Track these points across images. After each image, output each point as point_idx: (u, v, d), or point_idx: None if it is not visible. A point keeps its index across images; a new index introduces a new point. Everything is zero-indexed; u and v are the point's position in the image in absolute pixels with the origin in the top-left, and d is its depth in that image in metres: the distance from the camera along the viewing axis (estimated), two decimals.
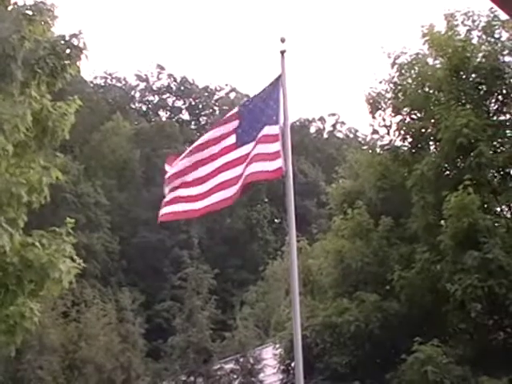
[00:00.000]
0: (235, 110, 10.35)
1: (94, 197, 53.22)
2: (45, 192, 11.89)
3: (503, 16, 18.25)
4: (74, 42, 12.96)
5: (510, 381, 17.07)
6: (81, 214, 46.78)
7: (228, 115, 10.38)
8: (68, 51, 12.79)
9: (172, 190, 10.05)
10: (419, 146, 20.83)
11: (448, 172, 20.03)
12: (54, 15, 12.73)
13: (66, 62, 12.71)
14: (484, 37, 20.03)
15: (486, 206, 18.50)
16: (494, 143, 19.39)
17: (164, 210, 10.05)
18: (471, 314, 17.17)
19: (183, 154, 10.30)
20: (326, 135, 73.23)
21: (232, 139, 9.93)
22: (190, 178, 9.95)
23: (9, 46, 11.68)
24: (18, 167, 11.85)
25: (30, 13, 12.48)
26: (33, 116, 11.84)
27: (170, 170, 10.20)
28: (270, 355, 25.61)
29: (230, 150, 9.88)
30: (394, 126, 21.11)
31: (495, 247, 17.29)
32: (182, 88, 72.87)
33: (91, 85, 68.25)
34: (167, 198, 10.05)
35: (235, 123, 10.01)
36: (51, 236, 11.71)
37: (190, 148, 10.32)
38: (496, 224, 18.50)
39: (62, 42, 13.05)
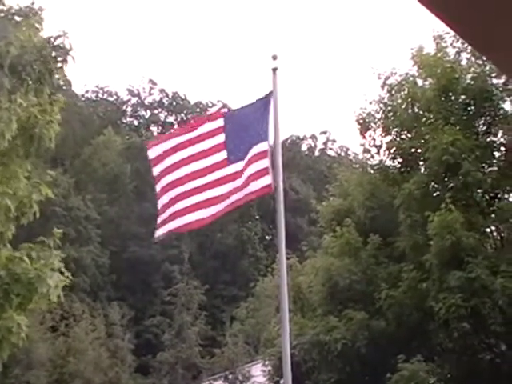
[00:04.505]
0: (220, 123, 10.13)
1: (84, 210, 53.20)
2: (34, 208, 11.79)
3: None
4: (59, 42, 12.82)
5: None
6: (70, 228, 46.79)
7: (212, 125, 10.28)
8: (54, 54, 12.64)
9: (164, 208, 10.15)
10: (408, 165, 21.10)
11: (436, 191, 20.30)
12: (40, 18, 12.58)
13: (53, 66, 12.59)
14: (473, 59, 20.37)
15: (473, 226, 18.74)
16: (482, 164, 19.68)
17: (161, 230, 10.02)
18: (454, 333, 17.38)
19: (164, 142, 10.23)
20: (317, 153, 73.48)
21: (223, 155, 10.04)
22: (177, 192, 10.03)
23: None
24: (3, 177, 11.74)
25: (16, 18, 12.31)
26: (20, 124, 11.67)
27: (152, 154, 10.10)
28: (259, 372, 25.76)
29: (221, 165, 9.99)
30: (384, 146, 21.39)
31: (479, 266, 17.52)
32: (174, 103, 73.09)
33: (82, 98, 68.34)
34: (162, 217, 10.12)
35: (221, 137, 10.09)
36: (39, 248, 11.64)
37: (173, 144, 10.10)
38: (484, 244, 18.77)
39: (48, 45, 12.90)
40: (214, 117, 10.42)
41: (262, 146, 9.85)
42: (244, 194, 9.73)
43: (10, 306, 11.41)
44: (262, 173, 9.70)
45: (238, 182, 9.75)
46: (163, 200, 10.06)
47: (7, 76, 11.80)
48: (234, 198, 9.73)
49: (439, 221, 17.67)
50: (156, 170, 10.17)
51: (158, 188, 10.16)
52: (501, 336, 18.01)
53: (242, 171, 9.78)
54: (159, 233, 10.05)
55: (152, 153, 10.23)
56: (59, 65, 12.70)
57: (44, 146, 12.21)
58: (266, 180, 9.68)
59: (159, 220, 10.04)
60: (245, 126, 10.03)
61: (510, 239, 19.77)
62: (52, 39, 13.06)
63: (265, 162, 9.74)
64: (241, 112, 10.42)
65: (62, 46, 12.74)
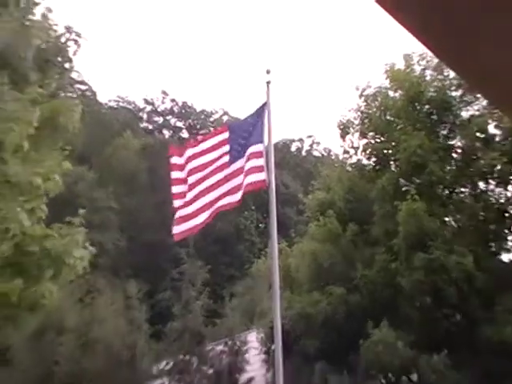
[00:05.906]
0: (226, 135, 10.35)
1: (106, 201, 53.19)
2: (58, 181, 11.65)
3: None
4: (69, 37, 12.64)
5: (446, 356, 17.42)
6: (95, 216, 46.73)
7: (219, 138, 10.44)
8: (68, 43, 12.47)
9: (180, 208, 10.11)
10: (382, 164, 21.18)
11: (405, 186, 20.36)
12: (49, 20, 12.21)
13: (70, 55, 12.40)
14: (435, 74, 20.45)
15: (435, 215, 18.83)
16: (444, 164, 19.76)
17: (178, 229, 9.88)
18: (416, 303, 17.52)
19: (186, 154, 10.35)
20: (304, 153, 73.39)
21: (225, 159, 10.13)
22: (193, 193, 10.08)
23: (16, 46, 11.20)
24: (34, 161, 11.60)
25: (31, 18, 11.89)
26: (46, 115, 11.53)
27: (178, 160, 10.25)
28: (254, 339, 25.83)
29: (223, 168, 10.08)
30: (361, 148, 21.46)
31: (438, 249, 17.62)
32: (183, 111, 73.02)
33: (105, 106, 68.29)
34: (178, 215, 9.98)
35: (226, 148, 10.19)
36: (66, 227, 11.65)
37: (190, 154, 10.35)
38: (443, 230, 18.88)
39: (62, 37, 12.69)
40: (220, 131, 10.57)
41: (258, 148, 9.92)
42: (247, 182, 9.80)
43: (43, 277, 11.35)
44: (258, 169, 9.77)
45: (239, 179, 9.80)
46: (178, 202, 10.11)
47: (32, 69, 11.51)
48: (237, 194, 9.75)
49: (406, 210, 17.79)
50: (174, 175, 10.29)
51: (174, 190, 10.22)
52: (456, 307, 18.13)
53: (241, 168, 9.86)
54: (176, 231, 9.98)
55: (174, 159, 10.36)
56: (73, 52, 12.49)
57: (68, 132, 12.05)
58: (262, 175, 9.75)
59: (176, 217, 10.04)
60: (245, 132, 10.14)
61: (464, 226, 19.89)
62: (63, 30, 12.86)
63: (260, 161, 9.81)
64: (243, 122, 10.55)
65: (74, 34, 12.53)
